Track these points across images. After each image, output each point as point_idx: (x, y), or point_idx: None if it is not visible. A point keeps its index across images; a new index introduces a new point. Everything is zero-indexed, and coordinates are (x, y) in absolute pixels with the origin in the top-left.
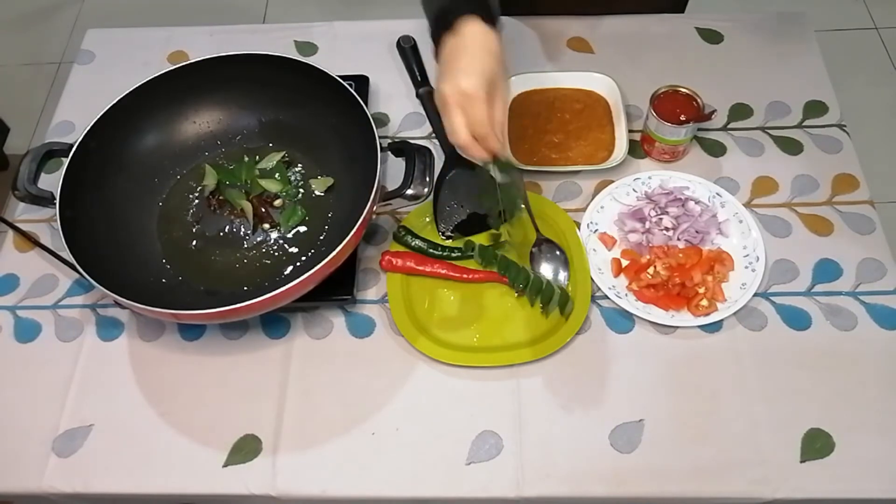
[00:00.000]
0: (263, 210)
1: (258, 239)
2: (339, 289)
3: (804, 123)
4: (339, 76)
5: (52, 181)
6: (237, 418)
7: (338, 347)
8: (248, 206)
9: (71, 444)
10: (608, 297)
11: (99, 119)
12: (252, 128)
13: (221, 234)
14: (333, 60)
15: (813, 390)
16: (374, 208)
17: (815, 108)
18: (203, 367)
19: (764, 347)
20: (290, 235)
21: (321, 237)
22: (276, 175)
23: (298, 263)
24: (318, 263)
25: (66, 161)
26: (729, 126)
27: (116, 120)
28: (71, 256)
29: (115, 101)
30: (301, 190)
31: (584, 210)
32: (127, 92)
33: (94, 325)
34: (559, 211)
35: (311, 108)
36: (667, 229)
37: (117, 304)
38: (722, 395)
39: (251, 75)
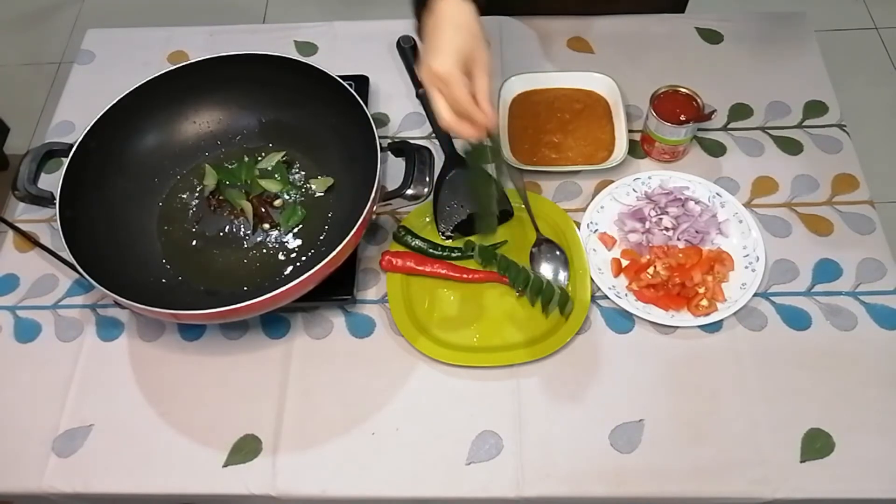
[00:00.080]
0: (263, 210)
1: (258, 239)
2: (339, 289)
3: (804, 123)
4: (339, 76)
5: (52, 181)
6: (237, 418)
7: (338, 347)
8: (248, 206)
9: (71, 444)
10: (608, 297)
11: (99, 119)
12: (252, 128)
13: (221, 234)
14: (333, 60)
15: (813, 390)
16: (374, 208)
17: (815, 108)
18: (203, 367)
19: (764, 347)
20: (290, 235)
21: (321, 237)
22: (276, 175)
23: (298, 263)
24: (318, 263)
25: (66, 161)
26: (729, 126)
27: (116, 120)
28: (71, 256)
29: (115, 101)
30: (301, 190)
31: (584, 210)
32: (127, 92)
33: (94, 325)
34: (559, 211)
35: (311, 108)
36: (667, 229)
37: (117, 304)
38: (722, 395)
39: (251, 75)
